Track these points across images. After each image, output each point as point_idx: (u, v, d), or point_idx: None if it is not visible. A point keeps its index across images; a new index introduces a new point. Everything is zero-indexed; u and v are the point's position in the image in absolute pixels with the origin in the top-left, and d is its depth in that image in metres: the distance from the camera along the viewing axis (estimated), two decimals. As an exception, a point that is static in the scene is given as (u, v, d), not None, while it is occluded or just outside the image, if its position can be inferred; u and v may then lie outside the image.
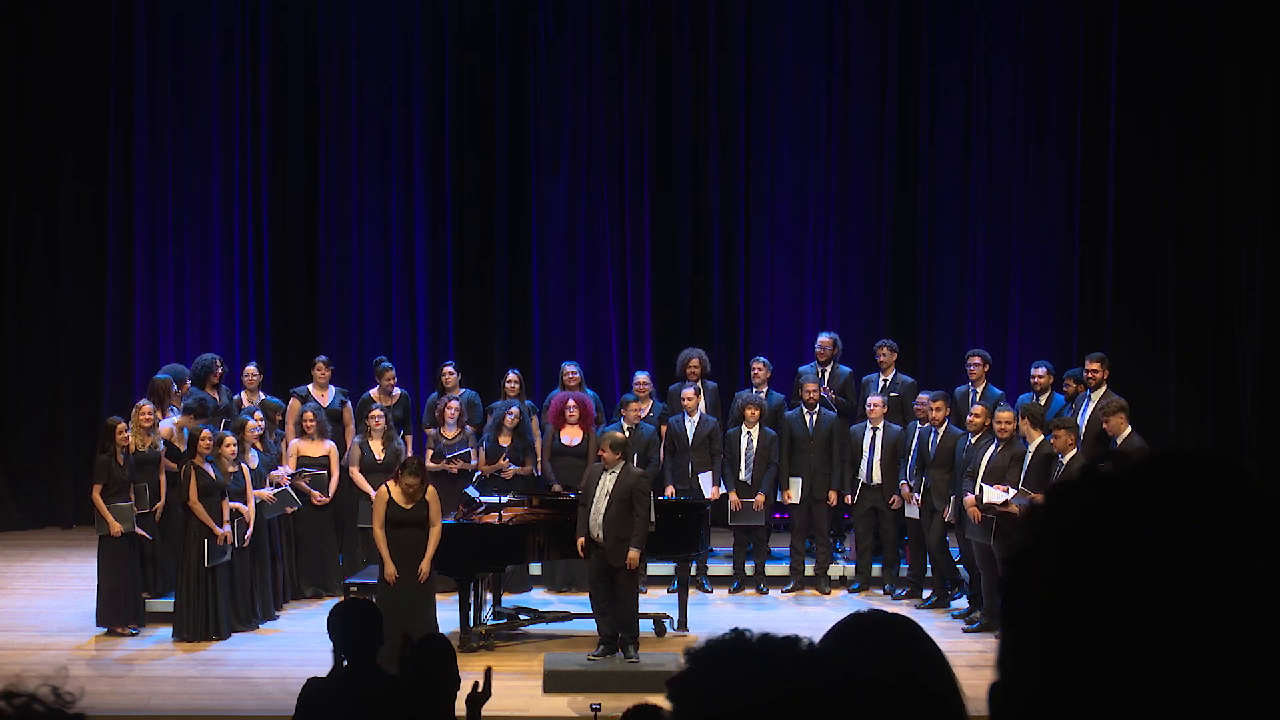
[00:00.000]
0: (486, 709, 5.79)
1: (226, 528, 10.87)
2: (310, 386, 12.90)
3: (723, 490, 12.41)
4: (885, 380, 12.88)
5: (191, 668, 10.39)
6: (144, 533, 11.08)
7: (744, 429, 12.48)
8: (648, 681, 9.30)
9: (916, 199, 14.85)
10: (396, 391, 12.94)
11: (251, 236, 14.86)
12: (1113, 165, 14.53)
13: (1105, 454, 1.29)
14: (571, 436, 12.40)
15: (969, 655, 9.72)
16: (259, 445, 11.68)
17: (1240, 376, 14.36)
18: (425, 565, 10.25)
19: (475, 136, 14.99)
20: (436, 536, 10.32)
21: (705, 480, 12.35)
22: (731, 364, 14.71)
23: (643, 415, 12.54)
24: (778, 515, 12.89)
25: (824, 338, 13.19)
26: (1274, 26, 14.19)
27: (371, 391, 12.88)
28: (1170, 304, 14.49)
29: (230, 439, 11.09)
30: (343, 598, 9.25)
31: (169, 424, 11.76)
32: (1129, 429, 11.15)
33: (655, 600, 11.67)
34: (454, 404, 12.47)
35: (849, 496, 12.40)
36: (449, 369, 12.91)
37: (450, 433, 12.44)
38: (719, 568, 12.67)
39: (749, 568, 12.57)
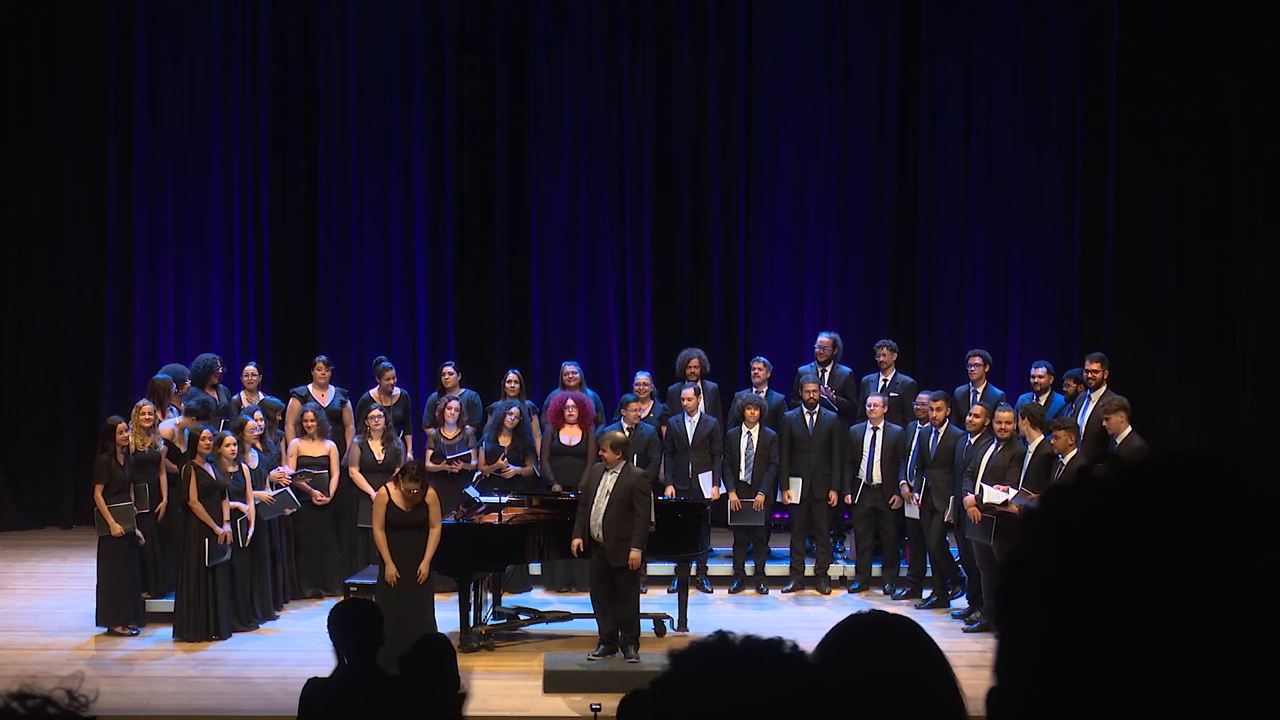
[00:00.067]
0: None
1: (227, 527, 10.87)
2: (310, 386, 12.89)
3: (723, 490, 12.41)
4: (885, 380, 12.87)
5: (191, 668, 10.39)
6: (139, 533, 11.07)
7: (744, 429, 12.48)
8: (648, 682, 9.28)
9: (916, 199, 14.85)
10: (396, 391, 12.93)
11: (251, 236, 14.85)
12: (1113, 165, 14.53)
13: (1103, 455, 1.30)
14: (570, 436, 12.40)
15: (969, 655, 9.71)
16: (259, 445, 11.67)
17: (1240, 376, 14.36)
18: (424, 566, 10.25)
19: (475, 136, 14.98)
20: (436, 538, 10.31)
21: (705, 480, 12.35)
22: (731, 364, 14.71)
23: (643, 415, 12.55)
24: (778, 515, 12.88)
25: (824, 338, 13.18)
26: (1274, 26, 14.19)
27: (371, 391, 12.87)
28: (1170, 304, 14.49)
29: (230, 439, 11.09)
30: (343, 598, 9.25)
31: (170, 425, 11.75)
32: (1129, 428, 11.15)
33: (655, 600, 11.66)
34: (454, 404, 12.46)
35: (849, 496, 12.39)
36: (449, 369, 12.91)
37: (450, 433, 12.43)
38: (719, 568, 12.68)
39: (749, 568, 12.57)
